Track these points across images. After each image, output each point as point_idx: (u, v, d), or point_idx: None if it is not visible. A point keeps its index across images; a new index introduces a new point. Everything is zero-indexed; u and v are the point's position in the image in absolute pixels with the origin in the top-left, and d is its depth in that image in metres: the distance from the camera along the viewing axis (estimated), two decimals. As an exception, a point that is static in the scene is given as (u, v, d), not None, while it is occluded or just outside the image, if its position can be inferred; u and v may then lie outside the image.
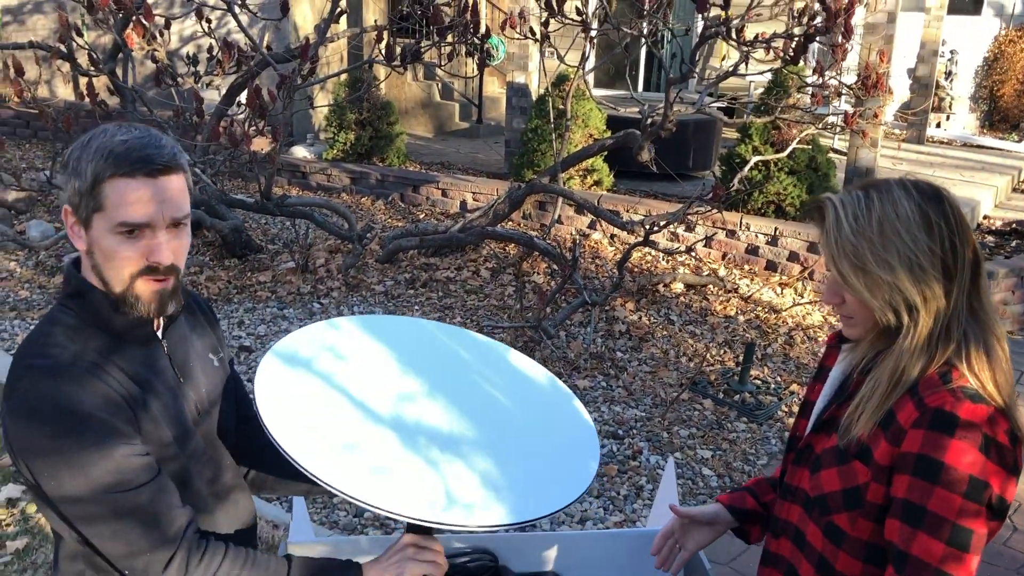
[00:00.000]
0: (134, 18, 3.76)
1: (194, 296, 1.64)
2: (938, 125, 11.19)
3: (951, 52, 11.22)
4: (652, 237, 4.88)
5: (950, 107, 11.34)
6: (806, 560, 1.52)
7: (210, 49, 4.14)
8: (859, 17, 8.91)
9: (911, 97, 10.31)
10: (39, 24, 10.15)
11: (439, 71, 10.91)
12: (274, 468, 1.68)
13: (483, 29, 10.95)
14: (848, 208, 1.39)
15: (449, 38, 4.47)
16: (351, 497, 1.32)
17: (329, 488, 1.32)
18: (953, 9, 10.62)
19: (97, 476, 1.30)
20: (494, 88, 11.43)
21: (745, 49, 4.28)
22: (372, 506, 1.31)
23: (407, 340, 1.75)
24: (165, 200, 1.33)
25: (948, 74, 11.27)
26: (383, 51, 4.21)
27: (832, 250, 1.40)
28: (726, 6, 4.06)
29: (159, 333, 1.47)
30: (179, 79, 3.84)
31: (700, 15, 4.09)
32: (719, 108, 9.00)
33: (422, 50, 4.38)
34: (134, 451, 1.34)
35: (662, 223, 4.77)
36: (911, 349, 1.38)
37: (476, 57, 4.96)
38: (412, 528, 1.45)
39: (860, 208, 1.38)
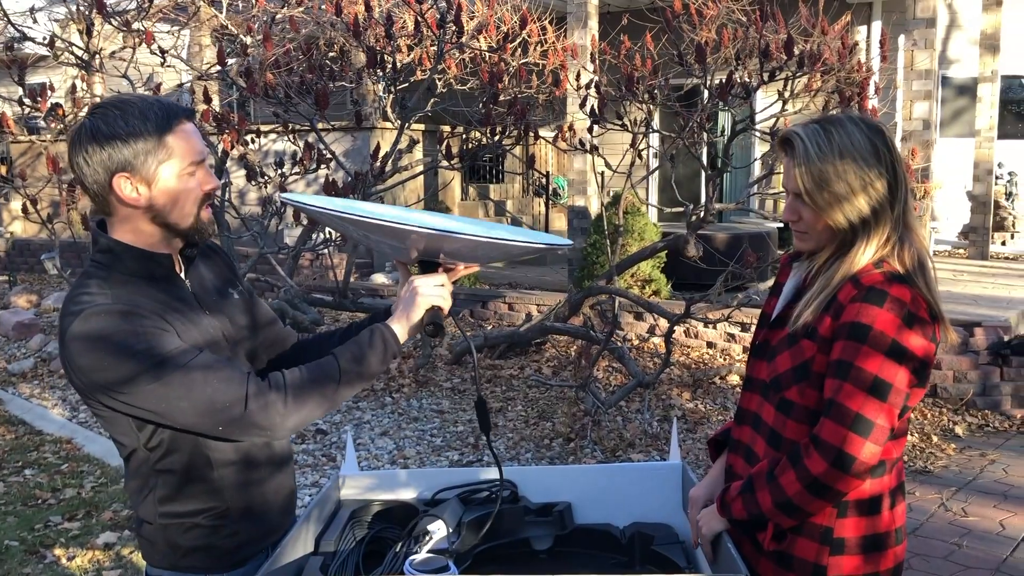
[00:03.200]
0: (228, 127, 4.42)
1: (209, 242, 1.80)
2: (1003, 243, 11.30)
3: (1010, 174, 11.45)
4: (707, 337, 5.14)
5: (1013, 226, 11.46)
6: (760, 438, 1.75)
7: (294, 155, 4.77)
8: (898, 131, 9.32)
9: (971, 216, 10.55)
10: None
11: (508, 208, 11.61)
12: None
13: (550, 169, 11.54)
14: (812, 139, 1.68)
15: (499, 135, 5.01)
16: (365, 215, 1.43)
17: (343, 213, 1.45)
18: (1004, 135, 11.00)
19: (161, 367, 1.46)
20: (561, 223, 12.06)
21: (768, 139, 4.69)
22: (388, 221, 1.43)
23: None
24: (201, 138, 1.61)
25: (1009, 195, 11.46)
26: (443, 151, 4.77)
27: (801, 173, 1.68)
28: (747, 96, 4.51)
29: (182, 274, 1.65)
30: (267, 176, 4.45)
31: (723, 105, 4.54)
32: (778, 228, 9.36)
33: (472, 144, 4.94)
34: (179, 341, 1.52)
35: (698, 297, 5.07)
36: (862, 253, 1.66)
37: (543, 196, 5.49)
38: (422, 267, 1.62)
39: (821, 139, 1.68)
